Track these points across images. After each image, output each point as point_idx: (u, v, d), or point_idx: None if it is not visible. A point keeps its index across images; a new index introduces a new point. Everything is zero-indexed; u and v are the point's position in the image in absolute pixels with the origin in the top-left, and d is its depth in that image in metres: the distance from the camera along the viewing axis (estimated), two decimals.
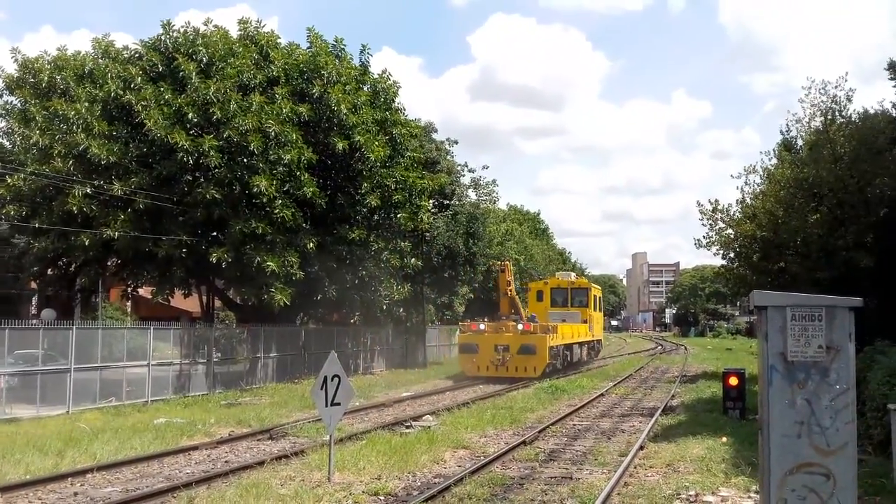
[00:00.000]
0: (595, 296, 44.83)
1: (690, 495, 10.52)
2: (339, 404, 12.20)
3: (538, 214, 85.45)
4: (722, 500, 10.12)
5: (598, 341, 48.14)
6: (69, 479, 12.32)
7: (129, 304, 38.66)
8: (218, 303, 34.96)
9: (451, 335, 51.65)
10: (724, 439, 15.22)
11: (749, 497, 10.13)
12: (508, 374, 31.59)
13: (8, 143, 32.02)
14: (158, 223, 25.92)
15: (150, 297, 30.03)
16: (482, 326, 33.89)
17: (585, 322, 41.10)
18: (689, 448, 14.49)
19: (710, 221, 25.24)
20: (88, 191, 24.57)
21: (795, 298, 6.99)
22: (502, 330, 33.08)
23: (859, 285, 19.61)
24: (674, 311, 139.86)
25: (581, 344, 40.47)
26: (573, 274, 48.81)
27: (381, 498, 11.08)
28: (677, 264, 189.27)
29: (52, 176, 24.50)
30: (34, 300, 36.31)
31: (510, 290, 38.45)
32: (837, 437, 6.69)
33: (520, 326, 33.18)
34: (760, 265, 23.98)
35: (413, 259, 35.44)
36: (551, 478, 12.51)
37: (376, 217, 32.08)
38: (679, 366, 43.45)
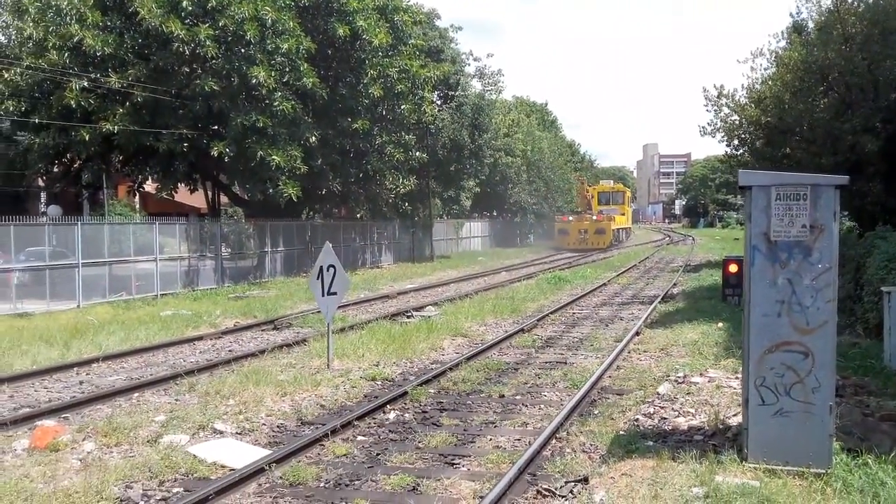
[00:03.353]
0: (627, 196, 67.17)
1: (679, 377, 10.72)
2: (335, 293, 12.35)
3: (546, 105, 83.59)
4: (709, 381, 10.32)
5: (630, 228, 74.06)
6: (75, 368, 12.65)
7: (136, 200, 38.67)
8: (226, 199, 34.95)
9: (459, 229, 51.90)
10: (720, 325, 15.39)
11: (735, 377, 10.30)
12: (588, 247, 52.23)
13: (3, 38, 31.37)
14: (158, 117, 25.59)
15: (154, 192, 30.06)
16: (570, 218, 56.52)
17: (623, 215, 63.23)
18: (683, 333, 14.71)
19: (715, 108, 24.63)
20: (86, 84, 24.15)
21: (780, 178, 6.90)
22: (583, 219, 55.33)
23: (864, 171, 19.32)
24: (683, 203, 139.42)
25: (623, 229, 64.47)
26: (612, 181, 74.87)
27: (378, 382, 11.37)
28: (688, 155, 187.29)
29: (49, 69, 24.08)
30: (42, 197, 36.37)
31: (587, 194, 60.72)
32: (818, 316, 6.71)
33: (594, 217, 55.80)
34: (765, 151, 23.47)
35: (418, 152, 35.18)
36: (546, 362, 12.77)
37: (380, 109, 31.61)
38: (684, 256, 43.72)
